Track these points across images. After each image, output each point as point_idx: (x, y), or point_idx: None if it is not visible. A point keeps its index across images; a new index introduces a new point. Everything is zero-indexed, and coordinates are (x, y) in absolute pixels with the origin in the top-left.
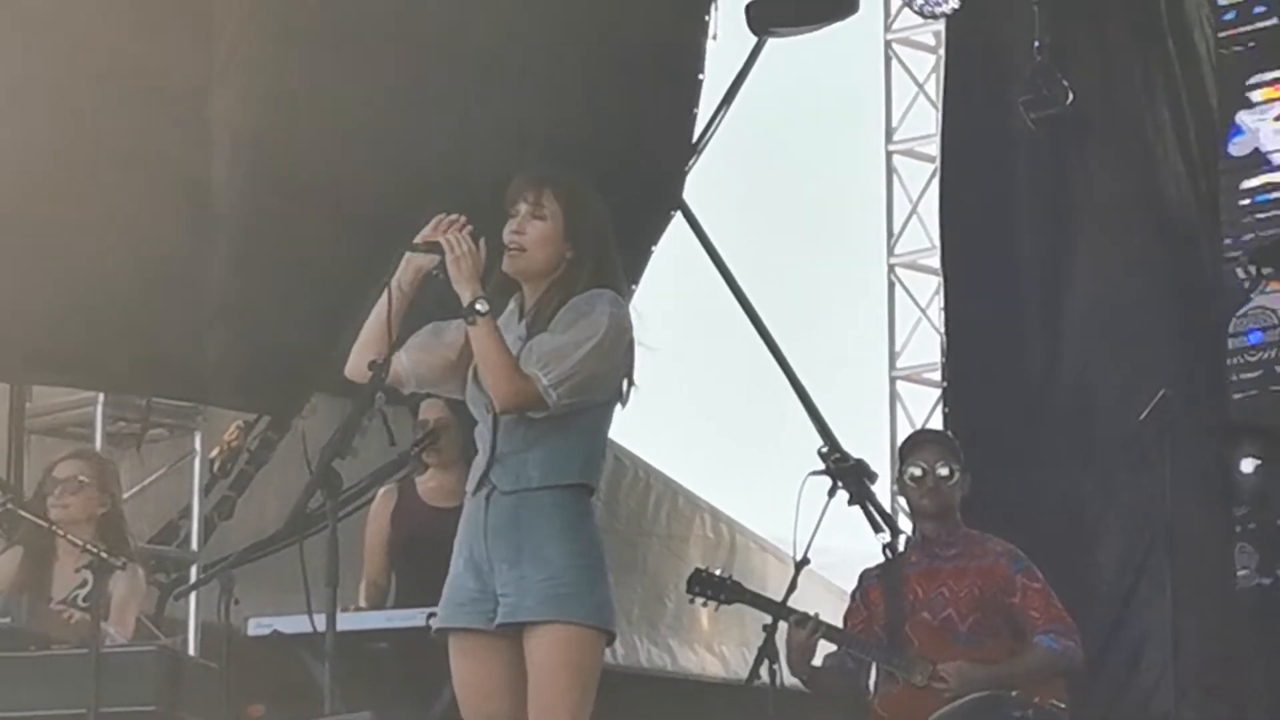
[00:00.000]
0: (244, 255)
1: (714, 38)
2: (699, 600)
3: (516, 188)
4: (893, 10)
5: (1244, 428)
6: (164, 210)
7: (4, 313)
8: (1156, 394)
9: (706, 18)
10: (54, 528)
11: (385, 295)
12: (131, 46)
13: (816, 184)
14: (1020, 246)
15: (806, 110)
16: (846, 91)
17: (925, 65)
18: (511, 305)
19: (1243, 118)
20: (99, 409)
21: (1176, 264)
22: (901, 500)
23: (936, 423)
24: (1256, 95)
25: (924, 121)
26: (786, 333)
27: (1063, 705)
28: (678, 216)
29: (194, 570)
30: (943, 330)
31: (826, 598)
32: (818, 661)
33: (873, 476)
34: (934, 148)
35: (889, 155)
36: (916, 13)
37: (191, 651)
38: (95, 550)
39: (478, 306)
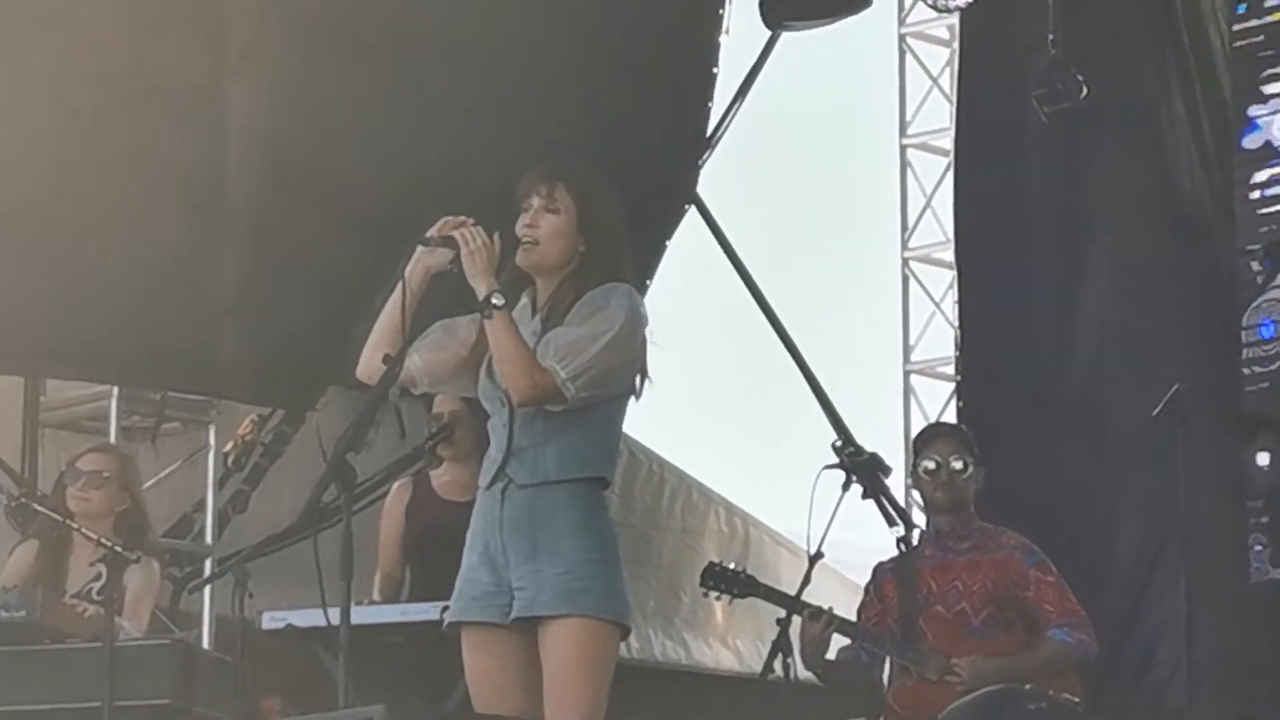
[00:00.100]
0: (257, 249)
1: (727, 32)
2: (713, 594)
3: (529, 182)
4: (907, 4)
5: (1258, 421)
6: (176, 205)
7: (18, 307)
8: (1170, 388)
9: (720, 12)
10: (68, 521)
11: (398, 291)
12: (140, 45)
13: (830, 178)
14: (1034, 240)
15: (820, 104)
16: (860, 85)
17: (939, 59)
18: (524, 300)
19: (1255, 111)
20: (113, 403)
21: (1190, 257)
22: (915, 494)
23: (950, 416)
24: (1270, 89)
25: (938, 115)
26: (800, 326)
27: (1076, 699)
28: (692, 211)
29: (208, 564)
30: (957, 324)
31: (840, 592)
32: (831, 655)
33: (887, 470)
34: (948, 141)
35: (903, 149)
36: (930, 6)
37: (206, 645)
38: (109, 544)
39: (493, 300)
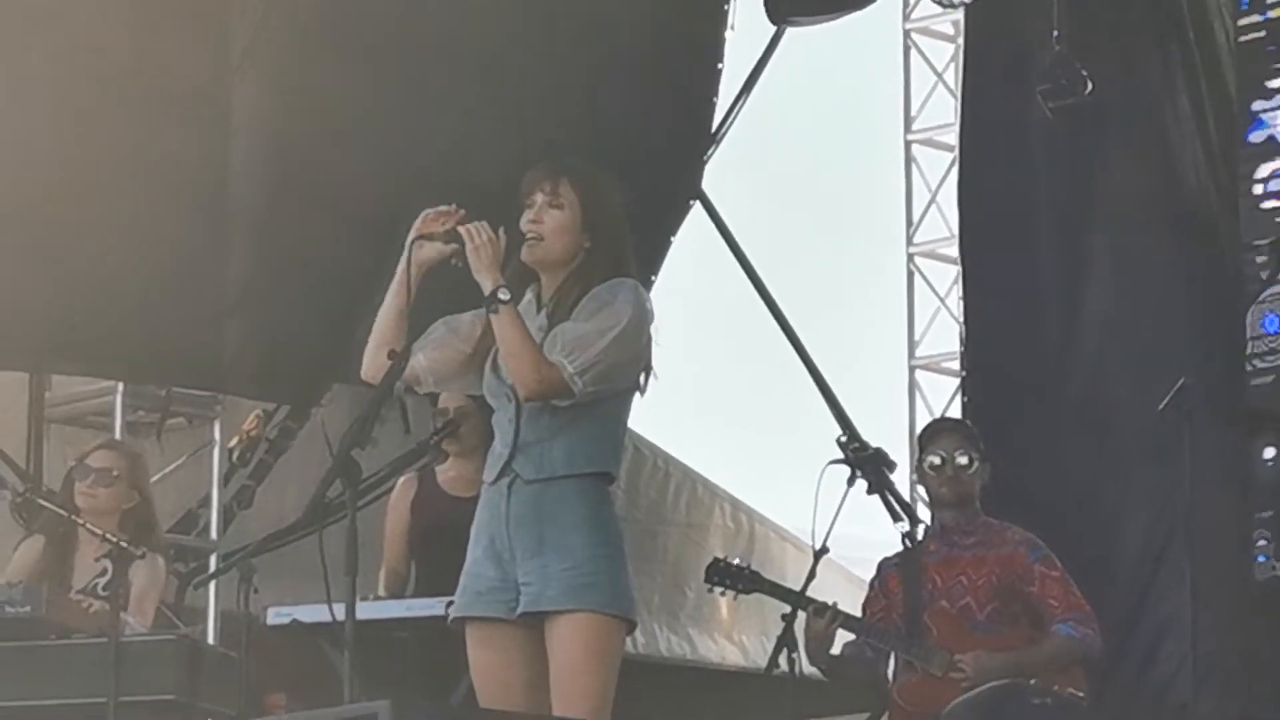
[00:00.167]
0: (262, 246)
1: (732, 28)
2: (718, 589)
3: (533, 178)
4: (911, 0)
5: (1263, 416)
6: (179, 202)
7: (23, 303)
8: (1175, 383)
9: (725, 7)
10: (73, 517)
11: (394, 289)
12: (142, 45)
13: (835, 173)
14: (1039, 236)
15: (825, 100)
16: (865, 81)
17: (944, 54)
18: (528, 295)
19: (1259, 106)
20: (118, 398)
21: (1195, 253)
22: (920, 489)
23: (955, 411)
24: (1274, 83)
25: (943, 111)
26: (805, 322)
27: (1081, 694)
28: (696, 206)
29: (213, 559)
30: (961, 319)
31: (845, 587)
32: (836, 650)
33: (891, 465)
34: (953, 137)
35: (908, 144)
36: (935, 2)
37: (211, 640)
38: (115, 539)
39: (500, 295)
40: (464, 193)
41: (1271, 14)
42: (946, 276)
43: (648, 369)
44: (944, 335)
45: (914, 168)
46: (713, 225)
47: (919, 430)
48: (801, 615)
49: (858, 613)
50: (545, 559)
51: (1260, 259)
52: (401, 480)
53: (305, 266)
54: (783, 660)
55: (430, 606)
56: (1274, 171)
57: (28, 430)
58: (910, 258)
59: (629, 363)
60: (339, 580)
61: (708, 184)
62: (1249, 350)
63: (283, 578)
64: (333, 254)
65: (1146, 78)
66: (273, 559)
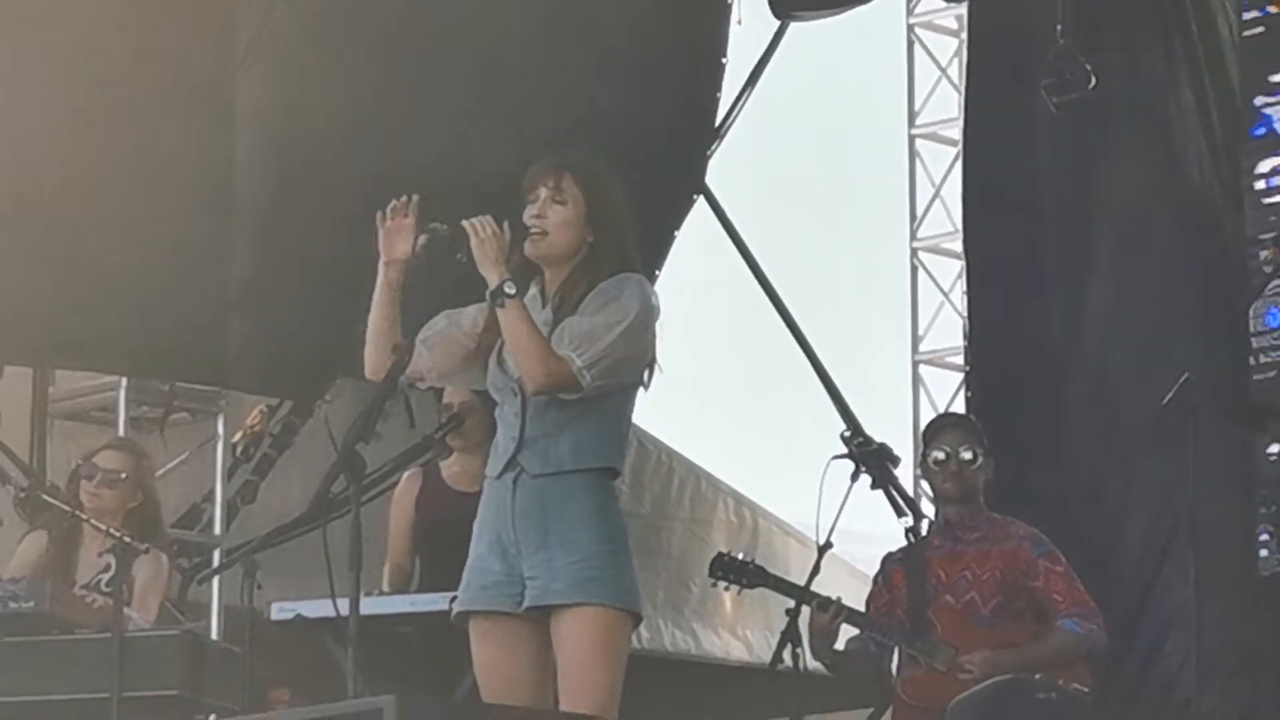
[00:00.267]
0: (265, 242)
1: (739, 22)
2: (722, 584)
3: (536, 173)
4: None
5: (1267, 410)
6: (185, 197)
7: (27, 298)
8: (1179, 378)
9: (730, 2)
10: (77, 513)
11: (379, 289)
12: (144, 42)
13: (839, 168)
14: (1042, 230)
15: (829, 94)
16: (869, 75)
17: (948, 49)
18: (533, 290)
19: (1261, 101)
20: (122, 393)
21: (1199, 247)
22: (924, 484)
23: (959, 407)
24: (1276, 78)
25: (946, 105)
26: (809, 316)
27: (1085, 689)
28: (700, 201)
29: (217, 555)
30: (965, 314)
31: (849, 582)
32: (840, 645)
33: (895, 460)
34: (956, 131)
35: (911, 139)
36: None
37: (214, 636)
38: (118, 535)
39: (506, 289)
40: (464, 193)
41: (1271, 9)
42: (950, 271)
43: (652, 364)
44: (948, 330)
45: (918, 162)
46: (716, 220)
47: (923, 425)
48: (806, 610)
49: (862, 608)
50: (551, 553)
51: (1264, 254)
52: (406, 475)
53: (309, 262)
54: (787, 655)
55: (434, 601)
56: (1277, 166)
57: (31, 426)
58: (914, 252)
59: (635, 357)
60: (343, 575)
61: (711, 179)
62: (1253, 345)
63: (286, 573)
64: (336, 250)
65: (1150, 72)
66: (276, 554)
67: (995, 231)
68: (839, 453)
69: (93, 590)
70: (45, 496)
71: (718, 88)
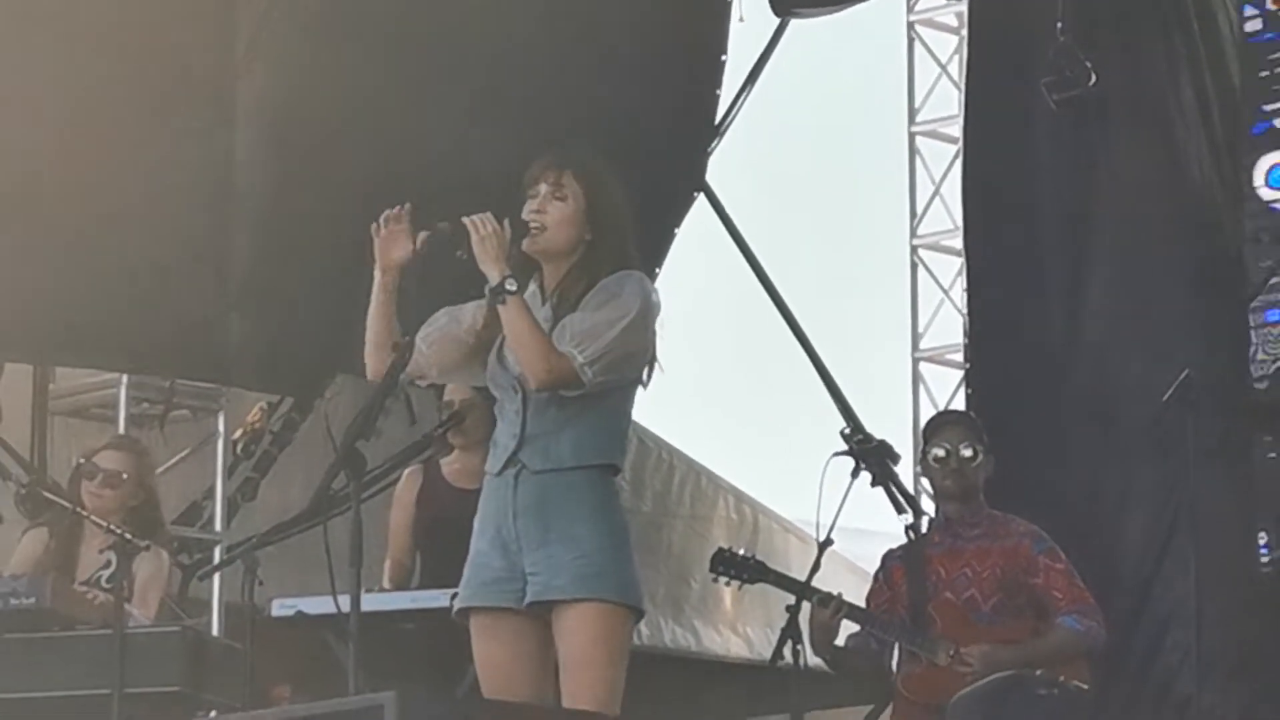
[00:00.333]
0: (266, 238)
1: (741, 20)
2: (723, 580)
3: (536, 169)
4: None
5: (1267, 408)
6: (185, 195)
7: (27, 294)
8: (1179, 375)
9: None
10: (78, 510)
11: (376, 291)
12: (151, 36)
13: (839, 165)
14: (1042, 228)
15: (829, 92)
16: (869, 73)
17: (948, 46)
18: (532, 287)
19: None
20: (122, 390)
21: (1199, 245)
22: (925, 481)
23: (959, 404)
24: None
25: (946, 103)
26: (809, 314)
27: (1085, 686)
28: (700, 198)
29: (217, 551)
30: (965, 311)
31: (850, 578)
32: (841, 642)
33: (895, 457)
34: (956, 129)
35: (911, 136)
36: None
37: (215, 632)
38: (119, 531)
39: (507, 285)
40: (464, 192)
41: (1270, 5)
42: (950, 269)
43: (653, 361)
44: (948, 327)
45: (918, 160)
46: (716, 217)
47: (923, 422)
48: (806, 606)
49: (862, 604)
50: (552, 549)
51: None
52: (406, 472)
53: (309, 260)
54: (787, 652)
55: (435, 598)
56: (1277, 164)
57: (31, 422)
58: (914, 250)
59: (637, 354)
60: (343, 572)
61: (711, 176)
62: (1252, 342)
63: (287, 570)
64: (336, 247)
65: (1150, 70)
66: (277, 551)
67: (995, 229)
68: (839, 450)
69: (94, 586)
70: (46, 493)
71: (718, 85)
